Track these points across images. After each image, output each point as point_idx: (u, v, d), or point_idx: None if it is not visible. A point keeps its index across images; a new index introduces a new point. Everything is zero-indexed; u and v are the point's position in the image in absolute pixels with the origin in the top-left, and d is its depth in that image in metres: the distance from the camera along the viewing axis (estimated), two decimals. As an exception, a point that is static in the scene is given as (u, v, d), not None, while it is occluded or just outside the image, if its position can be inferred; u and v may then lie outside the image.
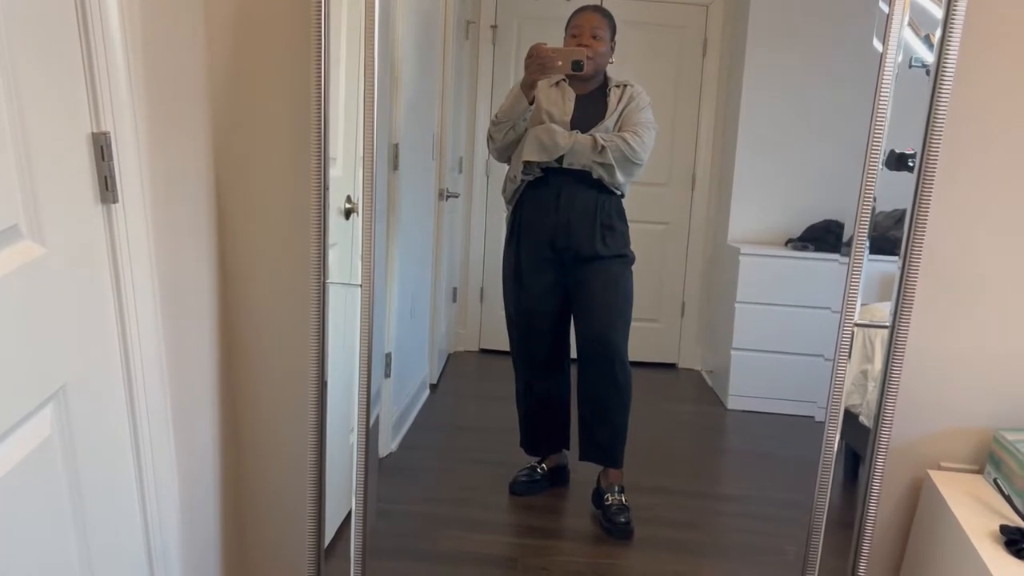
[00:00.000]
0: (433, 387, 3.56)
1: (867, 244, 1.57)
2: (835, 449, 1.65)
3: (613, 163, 2.38)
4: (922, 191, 1.51)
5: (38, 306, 1.17)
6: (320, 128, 1.58)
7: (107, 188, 1.30)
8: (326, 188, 1.62)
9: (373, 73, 1.56)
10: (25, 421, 1.15)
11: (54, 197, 1.18)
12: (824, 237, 3.39)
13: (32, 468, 1.16)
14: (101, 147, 1.28)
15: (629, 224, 2.52)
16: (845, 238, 1.69)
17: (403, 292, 2.85)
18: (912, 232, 1.54)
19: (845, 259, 1.65)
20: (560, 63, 2.28)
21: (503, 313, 2.68)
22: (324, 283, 1.66)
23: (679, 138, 3.84)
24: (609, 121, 2.42)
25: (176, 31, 1.59)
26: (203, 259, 1.75)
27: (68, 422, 1.24)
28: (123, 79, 1.33)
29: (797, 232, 3.51)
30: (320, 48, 1.55)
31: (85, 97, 1.26)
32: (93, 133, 1.28)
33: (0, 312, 1.08)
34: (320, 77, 1.56)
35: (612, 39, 2.45)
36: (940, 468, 1.88)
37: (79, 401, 1.27)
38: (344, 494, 1.84)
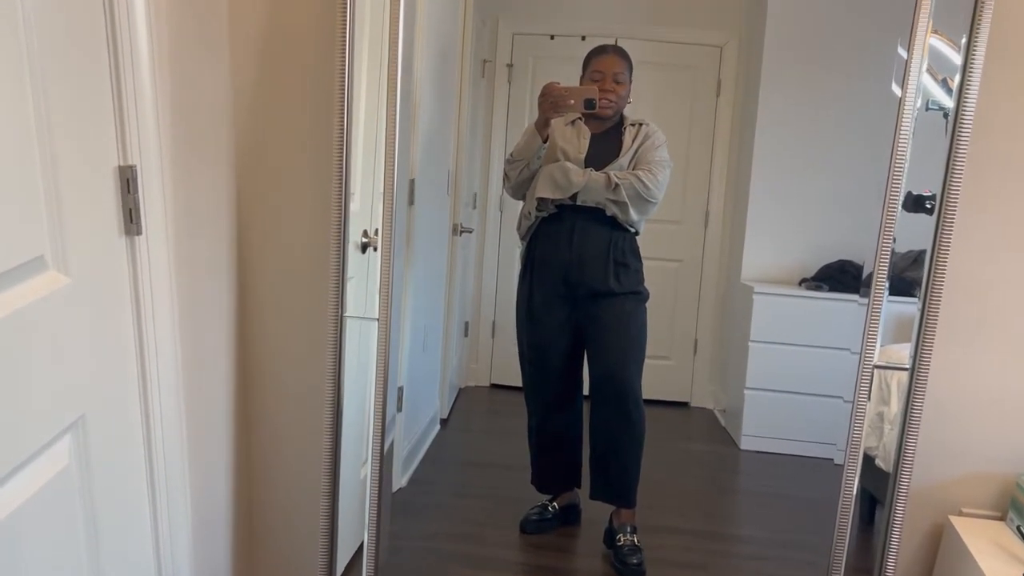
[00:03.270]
0: (444, 422, 3.54)
1: (886, 288, 1.57)
2: (854, 495, 1.63)
3: (627, 201, 2.38)
4: (941, 234, 1.51)
5: (61, 336, 1.17)
6: (341, 168, 1.60)
7: (131, 220, 1.32)
8: (346, 224, 1.63)
9: (395, 120, 1.58)
10: (44, 450, 1.15)
11: (80, 228, 1.20)
12: (839, 277, 3.38)
13: (49, 498, 1.16)
14: (127, 180, 1.30)
15: (643, 261, 2.52)
16: (863, 280, 1.69)
17: (416, 325, 2.84)
18: (931, 276, 1.54)
19: (863, 300, 1.65)
20: (573, 102, 2.28)
21: (515, 348, 2.67)
22: (342, 317, 1.66)
23: (693, 176, 3.86)
24: (624, 159, 2.42)
25: (203, 69, 1.62)
26: (223, 290, 1.76)
27: (86, 452, 1.25)
28: (151, 115, 1.35)
29: (811, 271, 3.50)
30: (344, 87, 1.58)
31: (113, 131, 1.28)
32: (120, 166, 1.30)
33: (23, 341, 1.08)
34: (343, 115, 1.59)
35: (631, 79, 2.46)
36: (961, 514, 1.86)
37: (97, 431, 1.27)
38: (355, 527, 1.83)
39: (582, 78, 2.46)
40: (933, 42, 1.53)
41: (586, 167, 2.40)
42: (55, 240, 1.14)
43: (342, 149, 1.60)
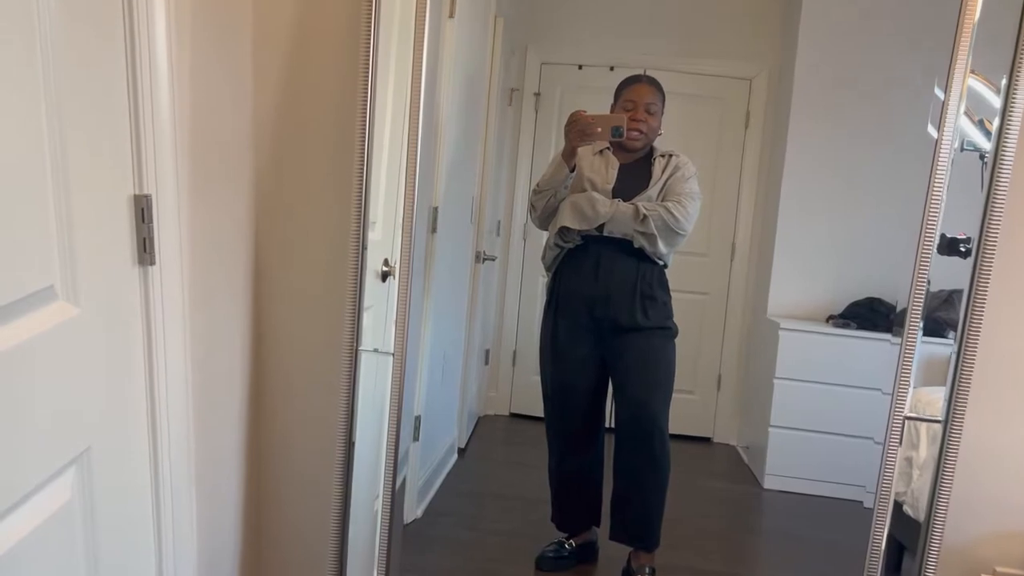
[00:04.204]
0: (461, 451, 3.50)
1: (919, 338, 1.51)
2: (882, 549, 1.57)
3: (655, 232, 2.32)
4: (978, 283, 1.45)
5: (68, 367, 1.15)
6: (360, 201, 1.58)
7: (145, 250, 1.30)
8: (363, 259, 1.61)
9: (416, 154, 1.56)
10: (46, 485, 1.12)
11: (91, 258, 1.18)
12: (867, 315, 3.31)
13: (49, 535, 1.13)
14: (142, 209, 1.28)
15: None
16: (894, 319, 1.64)
17: (435, 353, 2.82)
18: (967, 325, 1.47)
19: (893, 338, 1.60)
20: (600, 130, 2.24)
21: (535, 377, 2.63)
22: (356, 350, 1.63)
23: (719, 208, 3.82)
24: (652, 190, 2.37)
25: (224, 98, 1.61)
26: (238, 321, 1.73)
27: (90, 486, 1.22)
28: (168, 143, 1.33)
29: (839, 308, 3.43)
30: (365, 116, 1.56)
31: (130, 160, 1.26)
32: (135, 195, 1.28)
33: (30, 373, 1.06)
34: (363, 145, 1.57)
35: (662, 111, 2.42)
36: (995, 574, 1.78)
37: (102, 465, 1.25)
38: (367, 560, 1.79)
39: (613, 107, 2.42)
40: (971, 83, 1.49)
41: (614, 198, 2.35)
42: (65, 269, 1.12)
43: (362, 180, 1.58)
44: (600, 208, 2.34)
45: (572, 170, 2.34)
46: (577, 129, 2.25)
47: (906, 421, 1.53)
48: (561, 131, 2.34)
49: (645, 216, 2.31)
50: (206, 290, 1.55)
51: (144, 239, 1.29)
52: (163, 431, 1.39)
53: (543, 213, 2.45)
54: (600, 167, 2.41)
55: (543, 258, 2.54)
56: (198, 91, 1.46)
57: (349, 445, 1.66)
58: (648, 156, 2.43)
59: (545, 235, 2.54)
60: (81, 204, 1.14)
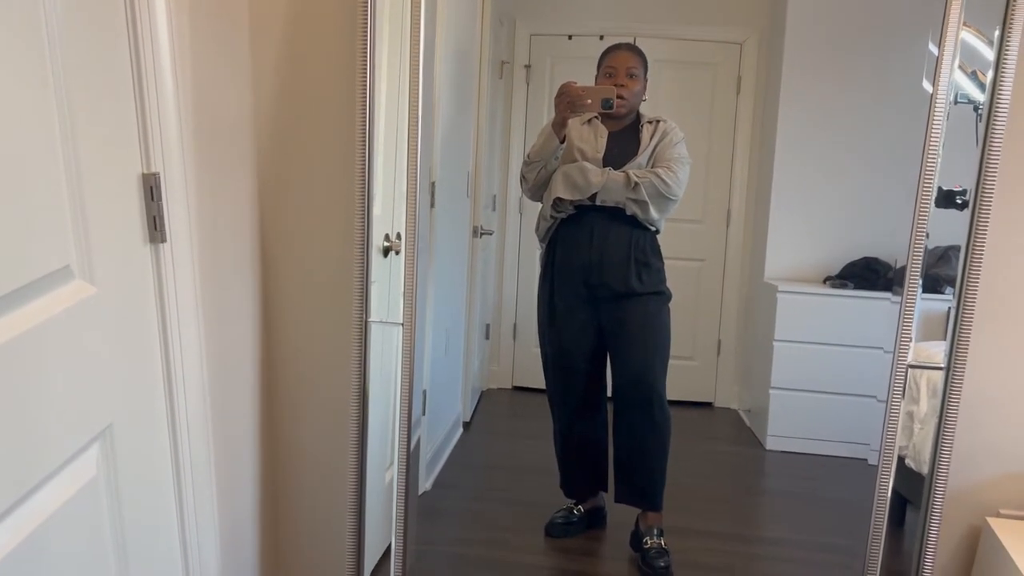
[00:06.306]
0: (466, 425, 3.53)
1: (920, 286, 1.54)
2: (888, 499, 1.60)
3: (647, 199, 2.34)
4: (976, 231, 1.47)
5: (88, 345, 1.17)
6: (364, 171, 1.59)
7: (156, 228, 1.31)
8: (369, 229, 1.62)
9: (417, 120, 1.57)
10: (71, 461, 1.14)
11: (105, 237, 1.19)
12: (864, 274, 3.34)
13: (77, 510, 1.15)
14: (151, 188, 1.29)
15: (664, 261, 2.49)
16: (893, 277, 1.67)
17: (437, 329, 2.84)
18: (967, 273, 1.50)
19: (894, 297, 1.62)
20: (590, 101, 2.26)
21: (536, 350, 2.66)
22: (366, 322, 1.65)
23: (714, 175, 3.83)
24: (642, 157, 2.39)
25: (224, 77, 1.62)
26: (247, 296, 1.75)
27: (114, 462, 1.24)
28: (173, 122, 1.34)
29: (835, 269, 3.46)
30: (365, 94, 1.57)
31: (136, 139, 1.27)
32: (143, 174, 1.29)
33: (51, 351, 1.08)
34: (365, 120, 1.58)
35: (645, 77, 2.44)
36: (999, 515, 1.82)
37: (124, 440, 1.27)
38: (380, 533, 1.82)
39: (596, 76, 2.44)
40: (964, 35, 1.50)
41: (604, 166, 2.37)
42: (80, 249, 1.14)
43: (364, 153, 1.59)
44: (592, 177, 2.36)
45: (562, 141, 2.36)
46: (567, 101, 2.27)
47: (909, 370, 1.56)
48: (552, 102, 2.35)
49: (636, 183, 2.34)
50: (216, 266, 1.57)
51: (154, 217, 1.30)
52: (181, 405, 1.41)
53: (534, 185, 2.47)
54: (589, 136, 2.43)
55: (537, 229, 2.56)
56: (199, 72, 1.47)
57: (363, 413, 1.68)
58: (636, 123, 2.45)
59: (539, 206, 2.56)
60: (91, 184, 1.15)
